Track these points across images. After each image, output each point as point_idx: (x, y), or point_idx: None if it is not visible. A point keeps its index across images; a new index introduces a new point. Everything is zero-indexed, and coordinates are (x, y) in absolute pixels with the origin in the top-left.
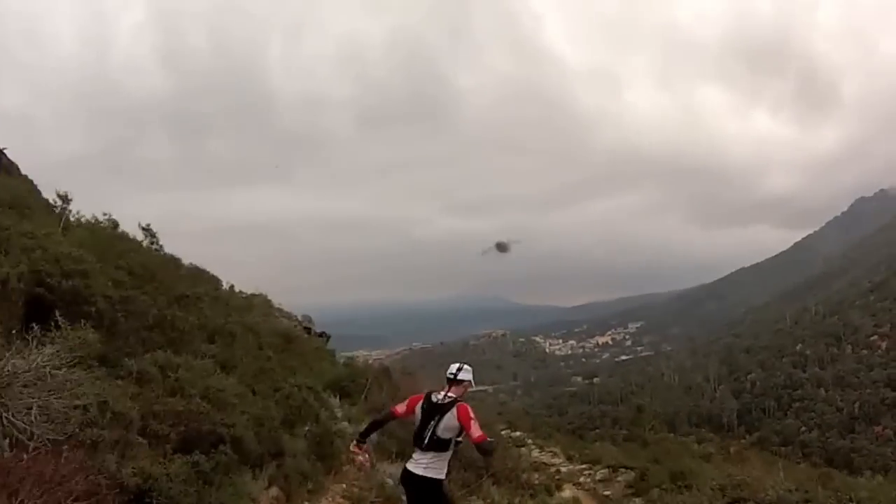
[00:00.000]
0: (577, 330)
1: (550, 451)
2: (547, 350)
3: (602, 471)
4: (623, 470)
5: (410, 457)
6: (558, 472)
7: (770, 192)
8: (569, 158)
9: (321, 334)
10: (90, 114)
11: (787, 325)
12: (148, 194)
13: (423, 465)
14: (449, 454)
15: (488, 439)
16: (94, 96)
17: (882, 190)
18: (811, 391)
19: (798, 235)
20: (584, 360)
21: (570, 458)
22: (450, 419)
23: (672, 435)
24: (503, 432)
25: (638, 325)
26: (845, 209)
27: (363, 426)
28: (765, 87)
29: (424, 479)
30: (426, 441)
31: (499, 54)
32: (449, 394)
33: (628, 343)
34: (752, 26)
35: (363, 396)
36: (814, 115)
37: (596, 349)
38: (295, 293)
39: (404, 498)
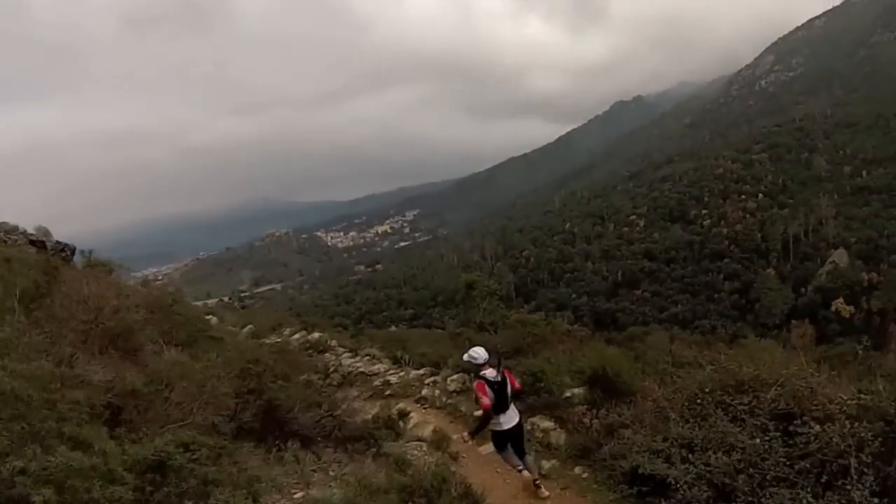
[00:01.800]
0: (357, 221)
1: (367, 356)
2: (329, 244)
3: (453, 377)
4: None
5: (498, 421)
6: (387, 384)
7: (539, 91)
8: (343, 58)
9: (63, 249)
10: None
11: (556, 207)
12: None
13: (514, 417)
14: None
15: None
16: None
17: (638, 96)
18: (580, 264)
19: (564, 129)
20: (365, 249)
21: (397, 362)
22: (509, 382)
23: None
24: (296, 336)
25: (415, 212)
26: (606, 109)
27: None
28: None
29: (518, 424)
30: (509, 402)
31: None
32: (496, 371)
33: (406, 230)
34: None
35: None
36: (584, 25)
37: (376, 238)
38: (68, 220)
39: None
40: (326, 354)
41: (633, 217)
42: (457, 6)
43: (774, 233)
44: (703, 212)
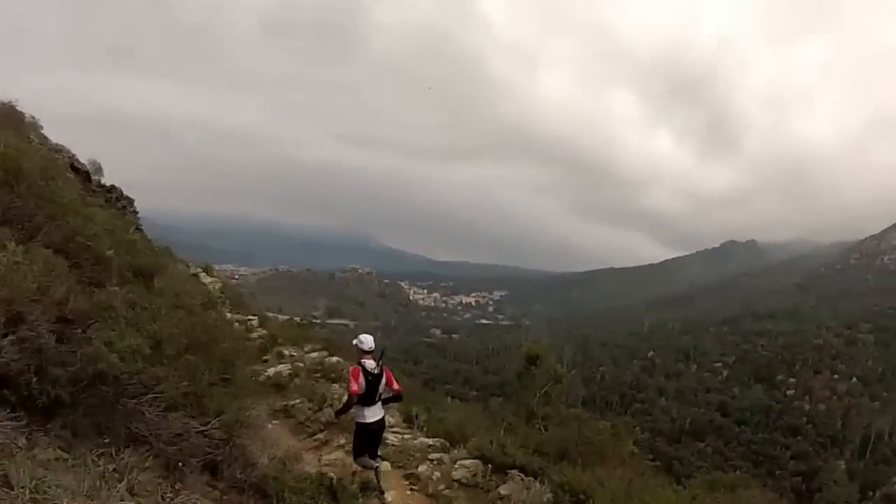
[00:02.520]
0: (443, 284)
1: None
2: (411, 297)
3: (466, 462)
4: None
5: (363, 413)
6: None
7: (654, 208)
8: (468, 117)
9: (110, 190)
10: None
11: (644, 331)
12: (25, 70)
13: (379, 412)
14: None
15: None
16: None
17: (752, 240)
18: (652, 396)
19: (670, 254)
20: (445, 314)
21: (408, 420)
22: (385, 379)
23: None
24: (312, 355)
25: (503, 293)
26: (717, 245)
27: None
28: (677, 112)
29: (381, 420)
30: (377, 398)
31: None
32: (375, 364)
33: (491, 309)
34: (685, 55)
35: None
36: (713, 153)
37: (459, 307)
38: (169, 195)
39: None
40: (335, 385)
41: (719, 364)
42: (590, 99)
43: (857, 424)
44: (791, 380)
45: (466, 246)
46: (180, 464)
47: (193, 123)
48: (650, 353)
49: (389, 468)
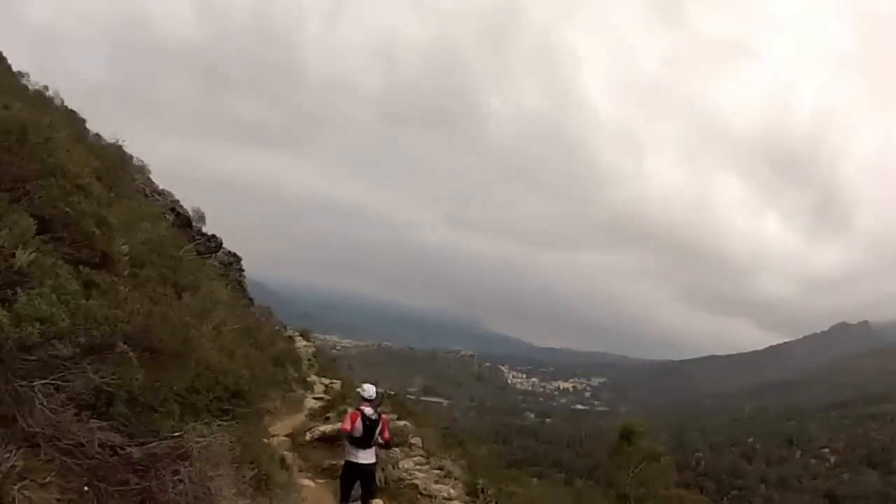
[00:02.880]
0: (542, 370)
1: (440, 468)
2: (509, 381)
3: None
4: None
5: (356, 454)
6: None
7: (760, 294)
8: (575, 205)
9: (210, 238)
10: (116, 44)
11: (745, 417)
12: (162, 134)
13: (371, 457)
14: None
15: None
16: (123, 27)
17: (865, 321)
18: (752, 484)
19: (775, 340)
20: (541, 399)
21: (473, 493)
22: (380, 427)
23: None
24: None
25: (601, 380)
26: (826, 329)
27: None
28: (783, 193)
29: (373, 465)
30: (373, 442)
31: (532, 86)
32: (373, 411)
33: (587, 395)
34: (787, 133)
35: None
36: (822, 233)
37: (556, 392)
38: (280, 263)
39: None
40: (396, 449)
41: (826, 450)
42: (696, 183)
43: None
44: None
45: (571, 332)
46: (86, 488)
47: (311, 200)
48: (750, 440)
49: None
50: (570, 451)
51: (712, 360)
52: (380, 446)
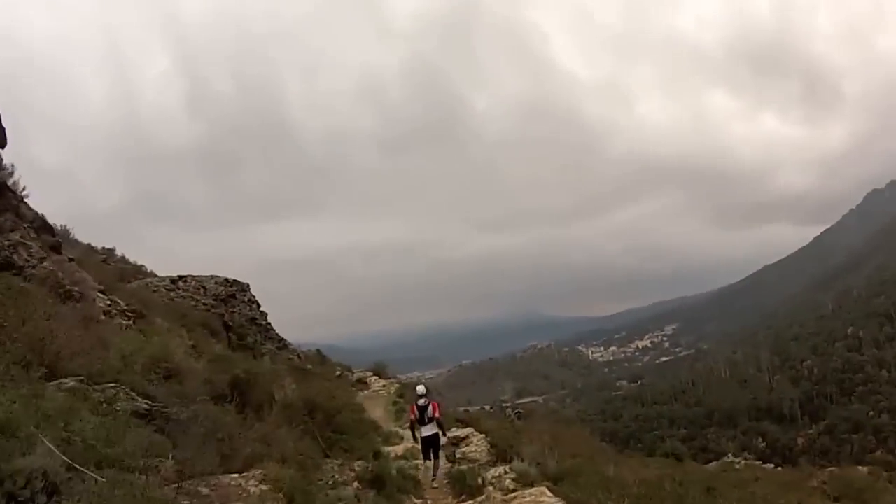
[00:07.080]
0: (616, 336)
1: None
2: (590, 358)
3: None
4: None
5: (420, 430)
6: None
7: (785, 191)
8: (586, 170)
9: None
10: (127, 165)
11: (830, 310)
12: (192, 234)
13: (431, 430)
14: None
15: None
16: (128, 148)
17: (892, 181)
18: (873, 373)
19: (817, 231)
20: (626, 364)
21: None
22: (430, 409)
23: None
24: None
25: (674, 326)
26: (860, 201)
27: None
28: (770, 89)
29: (434, 435)
30: (427, 420)
31: (510, 74)
32: (425, 401)
33: (666, 345)
34: (753, 30)
35: None
36: (820, 114)
37: (636, 353)
38: (339, 323)
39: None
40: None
41: None
42: (686, 111)
43: None
44: None
45: (627, 292)
46: None
47: (345, 253)
48: (850, 329)
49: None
50: (681, 405)
51: (767, 271)
52: (436, 422)
